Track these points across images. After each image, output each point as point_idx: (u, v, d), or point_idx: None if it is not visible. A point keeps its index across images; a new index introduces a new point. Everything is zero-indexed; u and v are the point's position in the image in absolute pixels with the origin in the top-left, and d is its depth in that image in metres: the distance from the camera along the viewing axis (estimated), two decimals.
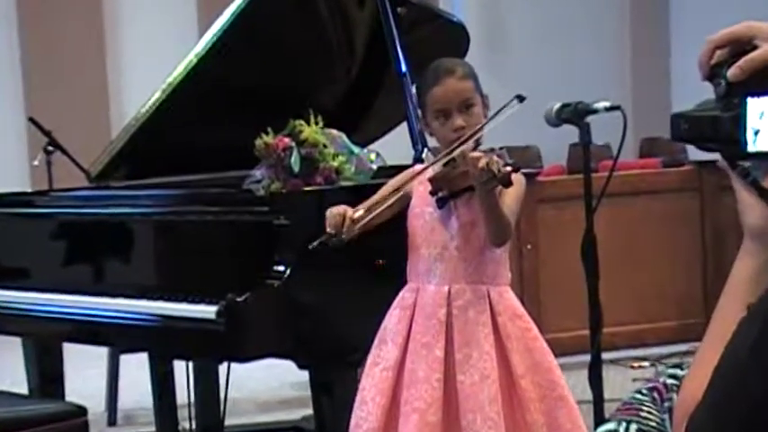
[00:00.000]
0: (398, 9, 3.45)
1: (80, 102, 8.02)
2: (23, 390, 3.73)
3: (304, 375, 2.96)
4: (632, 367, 5.25)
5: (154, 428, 3.90)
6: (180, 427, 3.90)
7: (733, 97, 1.18)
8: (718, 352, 1.11)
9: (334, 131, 3.20)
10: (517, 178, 2.46)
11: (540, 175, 5.77)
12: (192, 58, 3.39)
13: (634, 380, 4.94)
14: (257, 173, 3.14)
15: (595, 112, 2.83)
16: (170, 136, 3.54)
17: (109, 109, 8.32)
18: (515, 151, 5.23)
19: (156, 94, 3.45)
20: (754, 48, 1.19)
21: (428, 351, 2.58)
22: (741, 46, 1.20)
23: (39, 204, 3.81)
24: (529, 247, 5.43)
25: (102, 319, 3.08)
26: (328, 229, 2.51)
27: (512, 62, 9.24)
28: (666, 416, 1.56)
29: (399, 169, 2.84)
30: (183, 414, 3.84)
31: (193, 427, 3.75)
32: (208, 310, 2.75)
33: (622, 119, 2.74)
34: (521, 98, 2.46)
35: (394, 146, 3.67)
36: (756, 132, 1.16)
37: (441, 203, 2.57)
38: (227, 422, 3.89)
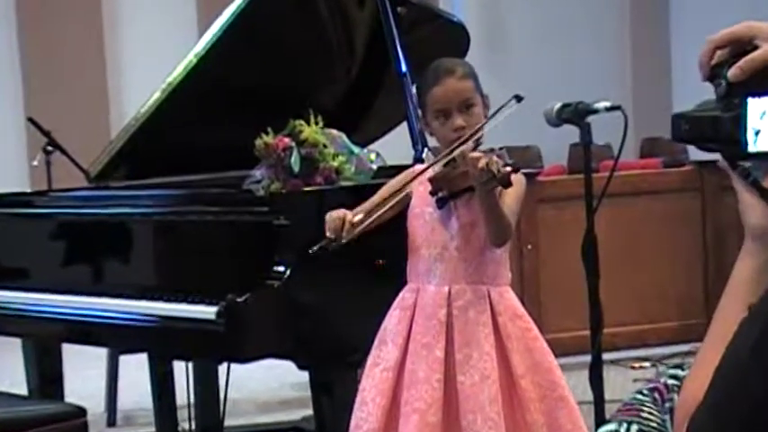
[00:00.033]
0: (398, 9, 3.44)
1: (79, 102, 8.02)
2: (23, 390, 3.72)
3: (304, 376, 2.96)
4: (633, 368, 5.25)
5: (153, 429, 3.90)
6: (180, 428, 3.89)
7: (733, 97, 1.18)
8: (719, 352, 1.11)
9: (334, 131, 3.20)
10: (517, 178, 2.46)
11: (540, 175, 5.77)
12: (191, 58, 3.39)
13: (635, 380, 4.94)
14: (257, 173, 3.14)
15: (596, 112, 2.83)
16: (170, 136, 3.53)
17: (108, 109, 8.32)
18: (516, 151, 5.23)
19: (156, 94, 3.44)
20: (755, 48, 1.19)
21: (428, 351, 2.58)
22: (741, 46, 1.20)
23: (38, 205, 3.81)
24: (529, 247, 5.42)
25: (101, 319, 3.08)
26: (328, 234, 2.50)
27: (512, 62, 9.24)
28: (667, 416, 1.56)
29: (399, 169, 2.84)
30: (182, 415, 3.84)
31: (193, 427, 3.74)
32: (208, 311, 2.75)
33: (623, 119, 2.74)
34: (518, 98, 2.46)
35: (394, 146, 3.67)
36: (757, 133, 1.16)
37: (441, 204, 2.56)
38: (227, 423, 3.89)
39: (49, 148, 5.25)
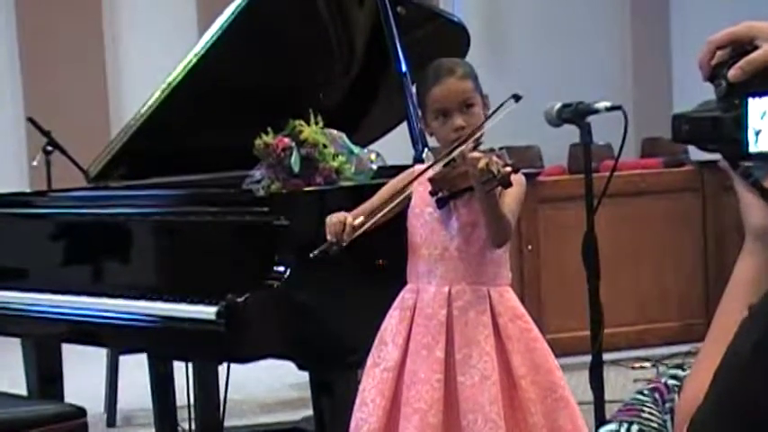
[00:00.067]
0: (398, 9, 3.44)
1: (79, 102, 8.02)
2: (22, 391, 3.72)
3: (304, 376, 2.96)
4: (633, 368, 5.25)
5: (153, 430, 3.90)
6: (179, 429, 3.90)
7: (734, 98, 1.18)
8: (719, 352, 1.11)
9: (335, 131, 3.19)
10: (517, 179, 2.46)
11: (540, 175, 5.76)
12: (191, 57, 3.39)
13: (635, 381, 4.94)
14: (257, 173, 3.14)
15: (596, 112, 2.83)
16: (169, 136, 3.53)
17: (108, 109, 8.32)
18: (516, 151, 5.23)
19: (156, 94, 3.44)
20: (755, 48, 1.19)
21: (428, 352, 2.58)
22: (742, 46, 1.20)
23: (38, 205, 3.81)
24: (529, 247, 5.42)
25: (101, 319, 3.07)
26: (329, 237, 2.50)
27: (512, 62, 9.24)
28: (668, 417, 1.55)
29: (399, 169, 2.84)
30: (182, 415, 3.84)
31: (193, 428, 3.74)
32: (208, 311, 2.75)
33: (623, 119, 2.74)
34: (517, 97, 2.46)
35: (394, 146, 3.67)
36: (757, 133, 1.15)
37: (440, 204, 2.56)
38: (227, 423, 3.89)
39: (49, 148, 5.25)
